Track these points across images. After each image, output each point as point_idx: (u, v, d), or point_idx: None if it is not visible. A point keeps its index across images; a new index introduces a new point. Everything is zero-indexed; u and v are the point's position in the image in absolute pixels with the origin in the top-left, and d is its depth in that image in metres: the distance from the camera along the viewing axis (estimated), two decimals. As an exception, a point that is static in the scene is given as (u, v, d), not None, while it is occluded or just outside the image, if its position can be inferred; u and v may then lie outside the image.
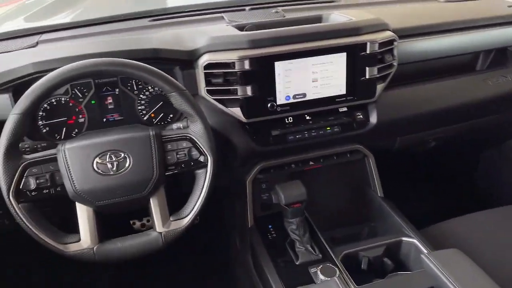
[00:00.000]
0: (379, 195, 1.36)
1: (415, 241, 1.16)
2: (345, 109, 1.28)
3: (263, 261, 1.14)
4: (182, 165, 1.01)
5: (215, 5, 1.58)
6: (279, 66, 1.15)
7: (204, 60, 1.13)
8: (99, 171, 0.93)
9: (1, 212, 1.17)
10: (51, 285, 1.75)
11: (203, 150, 1.01)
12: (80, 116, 1.18)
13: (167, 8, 1.59)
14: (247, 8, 1.55)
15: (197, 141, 1.01)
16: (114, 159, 0.94)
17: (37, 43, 1.30)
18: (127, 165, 0.95)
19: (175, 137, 1.00)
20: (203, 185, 1.01)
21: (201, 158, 1.01)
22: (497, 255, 1.18)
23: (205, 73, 1.14)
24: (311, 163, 1.33)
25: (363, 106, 1.30)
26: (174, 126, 1.08)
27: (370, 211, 1.38)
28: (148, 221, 1.67)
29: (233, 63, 1.12)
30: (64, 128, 1.18)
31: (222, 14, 1.47)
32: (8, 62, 1.12)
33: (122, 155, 0.95)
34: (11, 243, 1.50)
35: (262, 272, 1.15)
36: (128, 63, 0.95)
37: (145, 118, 1.23)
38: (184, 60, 1.16)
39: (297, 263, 1.12)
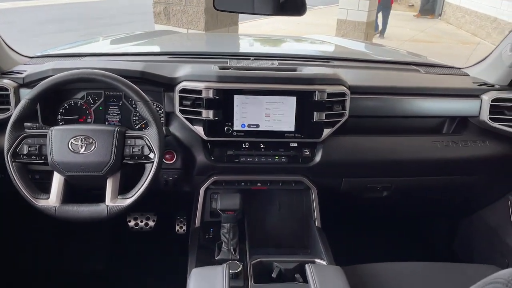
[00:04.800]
0: (316, 225, 1.51)
1: (325, 263, 1.30)
2: (295, 144, 1.50)
3: (190, 253, 1.37)
4: (136, 158, 1.30)
5: (226, 53, 1.92)
6: (237, 98, 1.43)
7: (180, 85, 1.45)
8: (71, 149, 1.27)
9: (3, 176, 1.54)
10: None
11: (153, 148, 1.29)
12: (89, 117, 1.55)
13: (187, 52, 1.95)
14: (251, 58, 1.86)
15: (150, 141, 1.30)
16: (84, 142, 1.27)
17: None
18: (92, 148, 1.27)
19: (134, 135, 1.31)
20: (148, 176, 1.29)
21: (151, 155, 1.30)
22: None
23: (179, 96, 1.45)
24: (258, 184, 1.55)
25: (312, 145, 1.51)
26: (145, 130, 1.39)
27: (307, 238, 1.52)
28: (141, 221, 1.98)
29: (201, 91, 1.42)
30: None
31: (228, 60, 1.80)
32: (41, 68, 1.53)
33: (91, 140, 1.28)
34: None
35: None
36: (108, 75, 1.29)
37: (137, 126, 1.57)
38: (167, 84, 1.49)
39: (216, 258, 1.33)
